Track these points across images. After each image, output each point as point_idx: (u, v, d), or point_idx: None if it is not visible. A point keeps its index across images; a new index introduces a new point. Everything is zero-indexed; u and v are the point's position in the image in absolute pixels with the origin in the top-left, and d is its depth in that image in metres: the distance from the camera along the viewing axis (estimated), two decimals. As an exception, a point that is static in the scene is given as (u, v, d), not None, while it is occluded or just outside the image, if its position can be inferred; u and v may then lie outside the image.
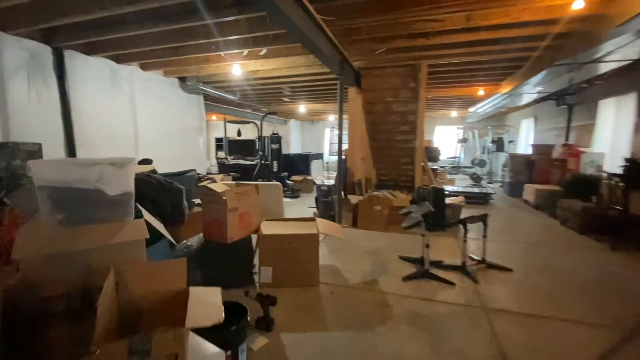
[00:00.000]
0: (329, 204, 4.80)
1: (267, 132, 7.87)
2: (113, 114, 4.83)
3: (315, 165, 9.94)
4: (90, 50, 4.40)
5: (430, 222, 2.82)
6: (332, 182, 6.15)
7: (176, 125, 6.12)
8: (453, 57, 4.83)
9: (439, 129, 13.47)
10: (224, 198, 2.43)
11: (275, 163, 7.45)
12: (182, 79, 6.01)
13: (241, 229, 2.54)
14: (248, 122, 8.25)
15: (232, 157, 12.43)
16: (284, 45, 4.33)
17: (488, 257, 2.96)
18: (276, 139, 7.38)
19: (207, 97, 7.68)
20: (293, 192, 7.21)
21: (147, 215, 1.79)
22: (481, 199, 6.18)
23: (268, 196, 4.35)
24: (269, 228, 2.71)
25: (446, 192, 4.17)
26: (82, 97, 4.38)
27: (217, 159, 8.44)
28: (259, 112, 9.51)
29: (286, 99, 8.33)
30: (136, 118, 5.19)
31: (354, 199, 4.67)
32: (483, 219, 2.87)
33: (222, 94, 6.83)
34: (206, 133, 7.99)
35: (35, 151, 3.06)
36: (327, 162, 12.03)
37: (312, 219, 3.01)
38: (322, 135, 15.04)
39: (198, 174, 4.32)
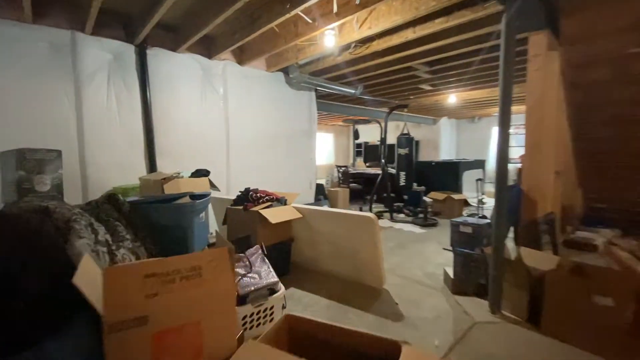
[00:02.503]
0: (475, 261, 2.52)
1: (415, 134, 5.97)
2: (202, 117, 4.21)
3: (470, 177, 7.18)
4: (176, 44, 3.88)
5: None
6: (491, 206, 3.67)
7: (280, 129, 5.16)
8: None
9: None
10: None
11: (403, 174, 5.44)
12: (286, 73, 4.98)
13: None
14: (369, 121, 6.55)
15: (368, 164, 11.05)
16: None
17: None
18: (405, 140, 5.37)
19: (325, 96, 6.50)
20: (427, 219, 4.99)
21: None
22: None
23: (355, 233, 2.61)
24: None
25: None
26: (165, 99, 3.90)
27: (337, 167, 7.15)
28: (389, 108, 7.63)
29: (426, 87, 6.13)
30: (229, 121, 4.46)
31: (535, 257, 2.25)
32: None
33: (338, 88, 5.45)
34: (346, 137, 6.84)
35: (49, 160, 2.46)
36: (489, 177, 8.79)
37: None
38: (487, 137, 11.48)
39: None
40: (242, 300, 1.92)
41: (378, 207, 6.55)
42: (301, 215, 2.90)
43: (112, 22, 3.52)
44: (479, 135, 11.65)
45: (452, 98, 7.20)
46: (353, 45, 3.91)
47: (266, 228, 2.67)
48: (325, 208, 2.66)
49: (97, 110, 3.42)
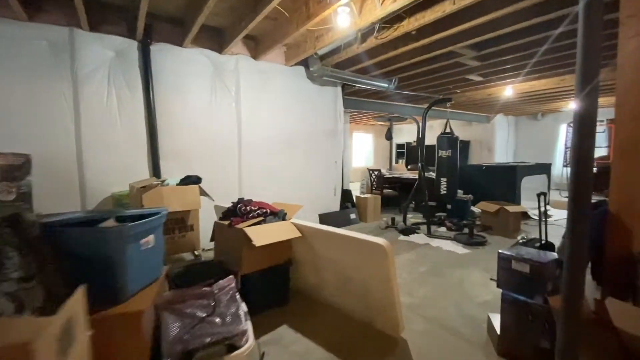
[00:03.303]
0: (534, 315, 1.74)
1: (462, 134, 5.13)
2: (212, 116, 3.87)
3: (530, 184, 6.03)
4: (182, 38, 3.57)
5: None
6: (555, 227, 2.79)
7: (301, 128, 4.66)
8: None
9: None
10: None
11: (444, 180, 4.60)
12: (307, 67, 4.47)
13: None
14: (404, 119, 5.75)
15: (409, 167, 10.09)
16: None
17: None
18: (448, 141, 4.53)
19: (357, 92, 5.86)
20: (472, 235, 4.12)
21: None
22: None
23: (364, 263, 2.02)
24: None
25: None
26: (171, 98, 3.61)
27: (369, 170, 6.45)
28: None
29: (475, 77, 5.20)
30: (241, 120, 4.06)
31: (630, 315, 1.44)
32: None
33: (367, 81, 4.79)
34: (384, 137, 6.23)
35: (16, 165, 2.20)
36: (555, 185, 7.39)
37: None
38: (553, 136, 9.87)
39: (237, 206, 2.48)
40: (187, 357, 1.43)
41: (416, 217, 5.74)
42: (300, 234, 2.35)
43: (114, 17, 3.30)
44: (543, 135, 10.06)
45: (508, 90, 6.10)
46: (377, 26, 3.26)
47: (254, 249, 2.16)
48: (329, 228, 2.07)
49: (96, 110, 3.21)
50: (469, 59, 4.21)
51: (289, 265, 2.47)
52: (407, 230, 4.62)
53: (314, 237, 2.32)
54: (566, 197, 7.13)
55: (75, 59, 3.09)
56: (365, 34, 3.54)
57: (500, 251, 1.91)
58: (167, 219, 2.62)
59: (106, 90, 3.26)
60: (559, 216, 5.71)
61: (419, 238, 4.41)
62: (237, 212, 2.37)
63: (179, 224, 2.56)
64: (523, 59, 4.26)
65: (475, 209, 5.53)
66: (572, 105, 8.06)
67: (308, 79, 4.64)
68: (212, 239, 2.55)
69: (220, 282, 1.80)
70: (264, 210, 2.39)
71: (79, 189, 3.18)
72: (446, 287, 2.83)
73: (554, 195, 7.78)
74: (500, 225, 4.73)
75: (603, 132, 8.47)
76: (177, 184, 2.69)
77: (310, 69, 4.33)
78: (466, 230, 4.37)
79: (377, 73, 4.79)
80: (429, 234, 4.51)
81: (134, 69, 3.40)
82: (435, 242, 4.19)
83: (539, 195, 2.49)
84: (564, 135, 9.49)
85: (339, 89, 5.04)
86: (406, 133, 12.59)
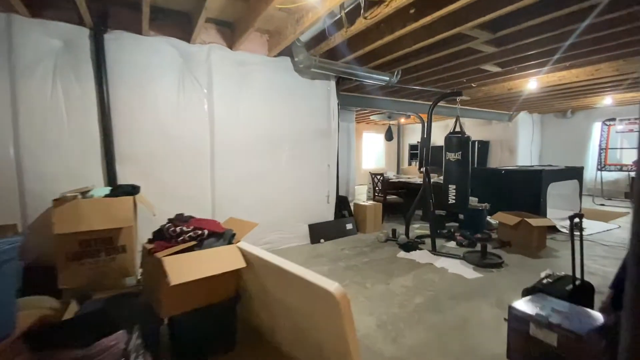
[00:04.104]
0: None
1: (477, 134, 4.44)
2: (178, 115, 3.39)
3: (557, 190, 5.23)
4: (141, 25, 3.12)
5: None
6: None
7: (288, 128, 4.12)
8: None
9: None
10: None
11: (452, 187, 3.92)
12: (293, 58, 3.92)
13: None
14: (407, 115, 5.08)
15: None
16: None
17: None
18: (457, 141, 3.85)
19: (358, 88, 5.26)
20: (485, 254, 3.45)
21: None
22: None
23: (315, 311, 1.43)
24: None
25: None
26: (129, 94, 3.16)
27: (371, 174, 5.81)
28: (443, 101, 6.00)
29: (492, 67, 4.48)
30: (215, 119, 3.57)
31: None
32: None
33: (364, 74, 4.19)
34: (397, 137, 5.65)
35: None
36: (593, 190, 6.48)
37: None
38: (584, 137, 8.85)
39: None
40: None
41: (424, 227, 5.07)
42: (244, 264, 1.80)
43: (61, 1, 2.88)
44: (573, 135, 9.04)
45: (532, 83, 5.32)
46: (363, 2, 2.67)
47: (179, 285, 1.63)
48: (276, 260, 1.49)
49: (38, 108, 2.80)
50: (482, 44, 3.53)
51: (236, 302, 1.93)
52: (409, 246, 3.98)
53: (261, 269, 1.77)
54: (601, 204, 6.16)
55: (13, 49, 2.69)
56: (352, 15, 2.96)
57: (512, 306, 1.28)
58: (90, 238, 2.16)
59: (51, 85, 2.84)
60: (593, 229, 4.88)
61: (421, 255, 3.76)
62: (167, 234, 1.85)
63: (106, 244, 2.09)
64: (550, 42, 3.53)
65: (491, 220, 4.80)
66: (607, 101, 7.11)
67: (295, 71, 4.10)
68: (141, 265, 2.05)
69: (103, 341, 1.28)
70: (200, 232, 1.85)
71: (19, 198, 2.77)
72: (445, 329, 2.20)
73: (586, 203, 6.86)
74: (521, 241, 4.00)
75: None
76: (107, 195, 2.22)
77: (296, 59, 3.78)
78: (476, 252, 3.69)
79: (376, 64, 4.17)
80: (434, 250, 3.85)
81: (85, 61, 2.97)
82: (440, 262, 3.53)
83: (571, 219, 1.81)
84: (597, 134, 8.46)
85: (333, 83, 4.45)
86: (419, 132, 11.80)
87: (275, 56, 3.89)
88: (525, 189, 4.96)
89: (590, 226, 5.00)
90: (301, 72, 4.11)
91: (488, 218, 4.86)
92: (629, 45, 3.65)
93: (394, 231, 4.46)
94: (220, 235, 1.93)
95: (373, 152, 12.38)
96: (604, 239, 4.40)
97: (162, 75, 3.30)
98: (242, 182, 3.78)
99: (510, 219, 4.13)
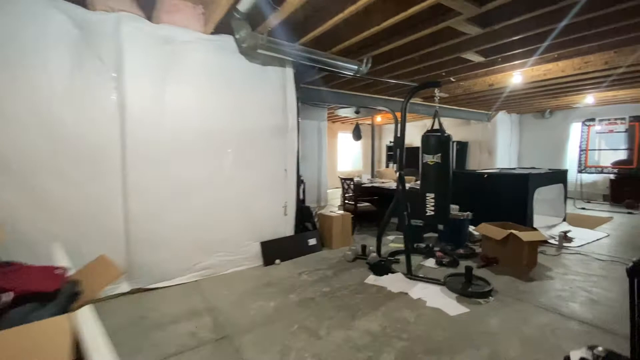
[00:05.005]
0: None
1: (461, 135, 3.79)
2: (73, 103, 2.54)
3: (542, 195, 4.73)
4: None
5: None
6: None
7: (233, 123, 3.34)
8: None
9: None
10: None
11: (430, 196, 3.27)
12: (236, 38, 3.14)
13: None
14: (379, 110, 4.43)
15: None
16: None
17: None
18: (436, 142, 3.20)
19: (328, 80, 4.54)
20: (470, 279, 2.81)
21: None
22: None
23: None
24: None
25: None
26: (1, 77, 2.29)
27: (340, 178, 5.10)
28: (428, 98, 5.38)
29: (474, 56, 3.88)
30: (126, 111, 2.73)
31: None
32: None
33: (326, 60, 3.47)
34: (376, 138, 4.99)
35: None
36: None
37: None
38: (562, 138, 8.58)
39: None
40: None
41: (399, 240, 4.42)
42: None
43: None
44: (551, 136, 8.76)
45: (516, 77, 4.80)
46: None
47: None
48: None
49: None
50: (465, 23, 2.89)
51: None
52: (380, 267, 3.30)
53: None
54: (582, 208, 5.61)
55: None
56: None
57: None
58: None
59: None
60: (583, 239, 4.40)
61: (394, 281, 3.08)
62: None
63: None
64: (543, 22, 2.95)
65: (474, 231, 4.22)
66: (589, 100, 6.77)
67: (241, 54, 3.32)
68: None
69: None
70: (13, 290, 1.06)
71: None
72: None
73: (568, 207, 6.47)
74: (510, 258, 3.42)
75: (625, 131, 7.20)
76: None
77: (237, 36, 3.01)
78: (464, 264, 3.05)
79: (340, 48, 3.47)
80: (409, 273, 3.17)
81: None
82: (416, 290, 2.86)
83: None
84: (577, 135, 8.19)
85: (290, 70, 3.70)
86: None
87: (212, 33, 3.11)
88: (510, 195, 4.42)
89: (578, 235, 4.52)
90: (248, 55, 3.34)
91: (470, 229, 4.28)
92: (623, 31, 3.15)
93: (363, 248, 3.77)
94: (52, 296, 1.14)
95: (350, 153, 11.75)
96: (597, 252, 3.90)
97: (48, 51, 2.44)
98: (169, 193, 2.96)
99: (496, 232, 3.54)
